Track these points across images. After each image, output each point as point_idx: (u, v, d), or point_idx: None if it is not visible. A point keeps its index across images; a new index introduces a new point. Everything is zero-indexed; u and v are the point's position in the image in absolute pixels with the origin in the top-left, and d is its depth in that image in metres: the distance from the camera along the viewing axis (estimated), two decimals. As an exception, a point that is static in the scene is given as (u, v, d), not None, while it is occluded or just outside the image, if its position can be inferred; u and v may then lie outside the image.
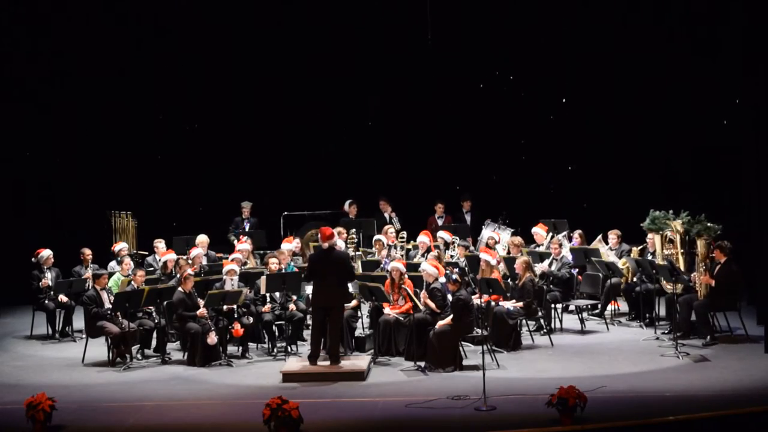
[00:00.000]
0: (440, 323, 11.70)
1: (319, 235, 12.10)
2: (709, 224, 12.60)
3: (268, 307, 12.71)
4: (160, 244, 14.76)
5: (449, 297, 11.95)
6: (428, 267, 12.19)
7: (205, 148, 17.86)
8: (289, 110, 17.84)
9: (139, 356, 12.61)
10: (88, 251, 14.57)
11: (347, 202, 16.95)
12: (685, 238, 12.79)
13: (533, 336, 13.12)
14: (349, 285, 12.62)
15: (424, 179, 17.59)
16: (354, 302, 12.75)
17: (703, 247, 12.58)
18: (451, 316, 11.67)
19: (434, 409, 10.06)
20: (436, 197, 16.89)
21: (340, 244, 13.51)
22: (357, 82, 17.55)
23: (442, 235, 14.84)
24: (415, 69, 17.41)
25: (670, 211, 12.92)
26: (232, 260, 13.51)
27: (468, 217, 16.92)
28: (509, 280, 13.29)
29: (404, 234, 15.38)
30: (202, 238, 14.73)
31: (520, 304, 12.60)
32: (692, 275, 12.61)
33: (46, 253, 14.17)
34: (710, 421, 9.44)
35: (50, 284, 14.01)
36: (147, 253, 15.40)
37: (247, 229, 16.46)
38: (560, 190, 17.27)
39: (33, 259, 14.19)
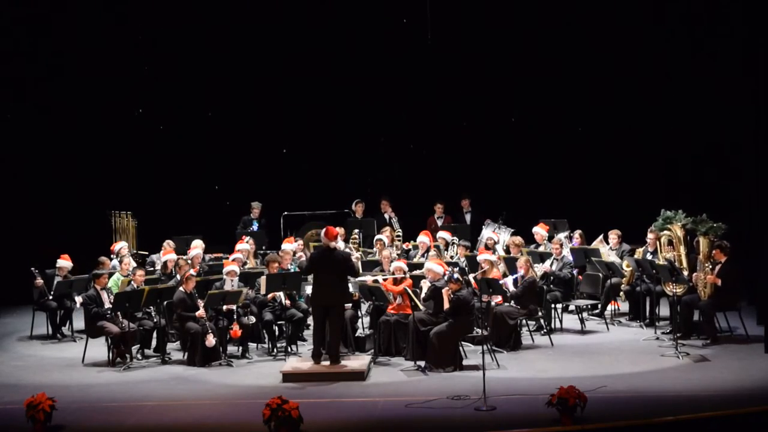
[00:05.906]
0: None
1: (325, 235, 11.94)
2: (714, 224, 12.56)
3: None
4: (168, 246, 14.65)
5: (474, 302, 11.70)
6: (434, 265, 12.08)
7: (206, 148, 17.87)
8: (290, 110, 17.83)
9: (139, 356, 12.60)
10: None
11: (354, 202, 16.95)
12: (686, 238, 12.75)
13: (533, 336, 13.11)
14: (350, 284, 12.63)
15: (424, 179, 17.58)
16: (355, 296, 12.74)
17: (706, 247, 12.54)
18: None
19: (434, 409, 10.05)
20: (436, 197, 16.89)
21: (341, 245, 13.50)
22: (357, 83, 17.54)
23: (443, 235, 14.82)
24: (415, 69, 17.41)
25: (680, 211, 12.83)
26: (233, 260, 13.50)
27: (468, 217, 16.91)
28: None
29: (400, 233, 15.38)
30: (197, 244, 14.54)
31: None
32: (693, 275, 12.58)
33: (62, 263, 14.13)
34: (710, 421, 9.43)
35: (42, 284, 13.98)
36: (147, 253, 15.40)
37: (255, 229, 16.46)
38: (560, 190, 17.24)
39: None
